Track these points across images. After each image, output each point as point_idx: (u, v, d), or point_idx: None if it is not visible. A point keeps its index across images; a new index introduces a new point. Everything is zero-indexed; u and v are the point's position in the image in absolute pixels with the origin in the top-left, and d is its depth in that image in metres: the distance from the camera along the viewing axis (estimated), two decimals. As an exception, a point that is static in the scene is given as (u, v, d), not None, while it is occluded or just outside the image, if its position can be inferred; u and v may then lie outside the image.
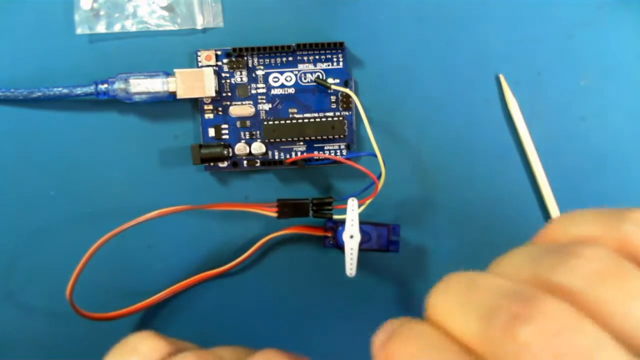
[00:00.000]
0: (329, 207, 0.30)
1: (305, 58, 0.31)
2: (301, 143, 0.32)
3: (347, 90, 0.30)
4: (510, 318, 0.14)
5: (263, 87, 0.31)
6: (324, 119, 0.31)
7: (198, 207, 0.30)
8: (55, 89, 0.30)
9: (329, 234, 0.30)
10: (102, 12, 0.31)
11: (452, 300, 0.16)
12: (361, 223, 0.29)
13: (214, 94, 0.31)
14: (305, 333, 0.32)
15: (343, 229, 0.29)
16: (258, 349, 0.19)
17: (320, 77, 0.31)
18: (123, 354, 0.20)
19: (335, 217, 0.30)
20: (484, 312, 0.15)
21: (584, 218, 0.17)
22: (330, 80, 0.31)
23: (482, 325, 0.15)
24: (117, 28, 0.31)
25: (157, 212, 0.28)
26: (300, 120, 0.31)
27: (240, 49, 0.31)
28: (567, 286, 0.15)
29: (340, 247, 0.29)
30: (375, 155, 0.29)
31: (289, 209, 0.30)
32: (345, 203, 0.29)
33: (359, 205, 0.29)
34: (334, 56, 0.31)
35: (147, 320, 0.32)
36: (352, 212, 0.28)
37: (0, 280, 0.31)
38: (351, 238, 0.29)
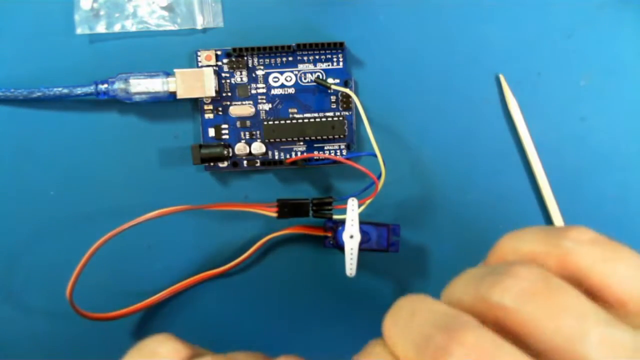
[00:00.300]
0: (329, 207, 0.30)
1: (305, 58, 0.31)
2: (301, 143, 0.32)
3: (347, 90, 0.30)
4: (437, 349, 0.15)
5: (263, 87, 0.31)
6: (324, 119, 0.31)
7: (198, 207, 0.30)
8: (55, 89, 0.30)
9: (329, 234, 0.30)
10: (102, 12, 0.31)
11: (397, 326, 0.17)
12: (361, 223, 0.29)
13: (214, 94, 0.31)
14: (305, 333, 0.32)
15: (343, 229, 0.29)
16: (275, 357, 0.19)
17: (320, 77, 0.31)
18: (142, 357, 0.19)
19: (335, 217, 0.30)
20: (418, 341, 0.16)
21: (529, 236, 0.18)
22: (330, 81, 0.31)
23: (416, 354, 0.16)
24: (117, 28, 0.31)
25: (157, 212, 0.28)
26: (300, 120, 0.31)
27: (240, 49, 0.31)
28: (501, 305, 0.16)
29: (340, 247, 0.29)
30: (375, 156, 0.29)
31: (289, 209, 0.30)
32: (345, 203, 0.29)
33: (359, 205, 0.29)
34: (334, 56, 0.31)
35: (147, 320, 0.32)
36: (352, 212, 0.28)
37: (0, 280, 0.31)
38: (351, 238, 0.29)
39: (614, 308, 0.17)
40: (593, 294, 0.17)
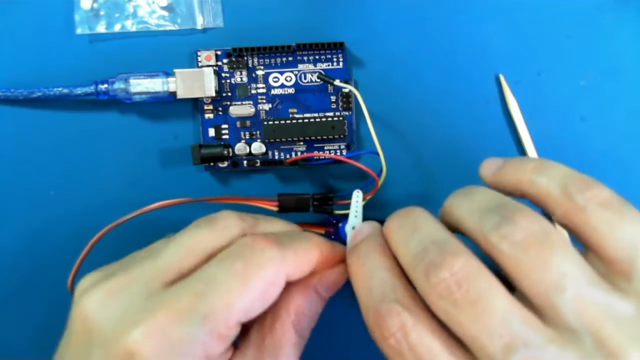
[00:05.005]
0: (330, 202, 0.30)
1: (305, 58, 0.31)
2: (301, 143, 0.32)
3: (350, 87, 0.30)
4: (430, 263, 0.19)
5: (263, 87, 0.31)
6: (324, 119, 0.31)
7: (200, 200, 0.30)
8: (55, 89, 0.30)
9: (330, 230, 0.30)
10: (102, 12, 0.31)
11: (399, 234, 0.21)
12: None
13: (214, 94, 0.31)
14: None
15: (345, 223, 0.28)
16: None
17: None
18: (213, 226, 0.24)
19: (337, 212, 0.30)
20: (416, 252, 0.20)
21: (554, 172, 0.21)
22: (330, 80, 0.31)
23: (412, 261, 0.20)
24: (117, 28, 0.31)
25: (158, 203, 0.29)
26: (300, 120, 0.31)
27: (240, 49, 0.31)
28: (498, 248, 0.19)
29: (342, 241, 0.29)
30: (377, 153, 0.29)
31: (290, 203, 0.30)
32: (347, 199, 0.29)
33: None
34: (334, 56, 0.31)
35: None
36: (356, 204, 0.28)
37: (1, 280, 0.31)
38: (354, 230, 0.28)
39: (605, 264, 0.19)
40: (588, 247, 0.20)
